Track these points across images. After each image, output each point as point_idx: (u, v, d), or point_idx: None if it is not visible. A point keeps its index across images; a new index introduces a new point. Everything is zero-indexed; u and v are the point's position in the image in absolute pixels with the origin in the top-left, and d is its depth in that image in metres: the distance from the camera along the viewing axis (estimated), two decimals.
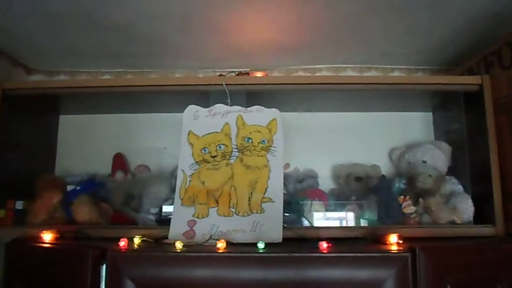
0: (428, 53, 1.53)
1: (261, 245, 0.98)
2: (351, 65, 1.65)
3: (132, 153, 1.55)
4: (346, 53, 1.55)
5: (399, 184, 1.35)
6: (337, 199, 1.38)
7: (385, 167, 1.52)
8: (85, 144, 1.59)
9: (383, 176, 1.42)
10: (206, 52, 1.50)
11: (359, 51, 1.53)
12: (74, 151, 1.58)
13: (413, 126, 1.60)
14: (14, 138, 1.33)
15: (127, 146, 1.56)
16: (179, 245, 0.97)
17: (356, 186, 1.43)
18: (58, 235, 1.10)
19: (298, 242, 1.04)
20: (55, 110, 1.59)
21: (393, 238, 1.03)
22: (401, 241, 1.02)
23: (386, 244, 1.02)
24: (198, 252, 0.95)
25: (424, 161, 1.39)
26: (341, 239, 1.06)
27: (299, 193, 1.37)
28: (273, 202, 1.12)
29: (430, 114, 1.61)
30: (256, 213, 1.11)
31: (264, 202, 1.12)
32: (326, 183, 1.52)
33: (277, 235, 1.05)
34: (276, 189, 1.14)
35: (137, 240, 1.03)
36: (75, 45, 1.44)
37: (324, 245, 0.97)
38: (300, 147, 1.52)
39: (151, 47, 1.45)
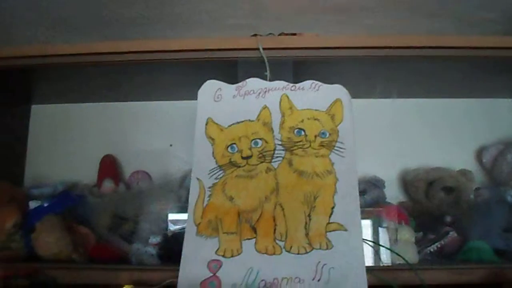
0: None
1: None
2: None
3: (126, 155, 1.30)
4: (414, 20, 1.20)
5: (508, 197, 1.03)
6: (419, 220, 0.98)
7: None
8: (64, 143, 1.34)
9: (496, 185, 1.04)
10: (227, 16, 1.17)
11: (431, 17, 1.18)
12: (49, 152, 1.33)
13: (505, 115, 1.28)
14: None
15: (120, 146, 1.31)
16: None
17: (446, 200, 1.03)
18: (8, 279, 0.83)
19: None
20: (25, 97, 1.33)
21: None
22: None
23: None
24: None
25: None
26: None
27: (365, 212, 0.96)
28: (345, 230, 0.76)
29: None
30: (320, 248, 0.75)
31: (331, 231, 0.76)
32: (391, 195, 1.18)
33: (359, 285, 0.70)
34: (349, 210, 0.77)
35: None
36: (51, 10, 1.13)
37: None
38: None
39: (155, 10, 1.14)
